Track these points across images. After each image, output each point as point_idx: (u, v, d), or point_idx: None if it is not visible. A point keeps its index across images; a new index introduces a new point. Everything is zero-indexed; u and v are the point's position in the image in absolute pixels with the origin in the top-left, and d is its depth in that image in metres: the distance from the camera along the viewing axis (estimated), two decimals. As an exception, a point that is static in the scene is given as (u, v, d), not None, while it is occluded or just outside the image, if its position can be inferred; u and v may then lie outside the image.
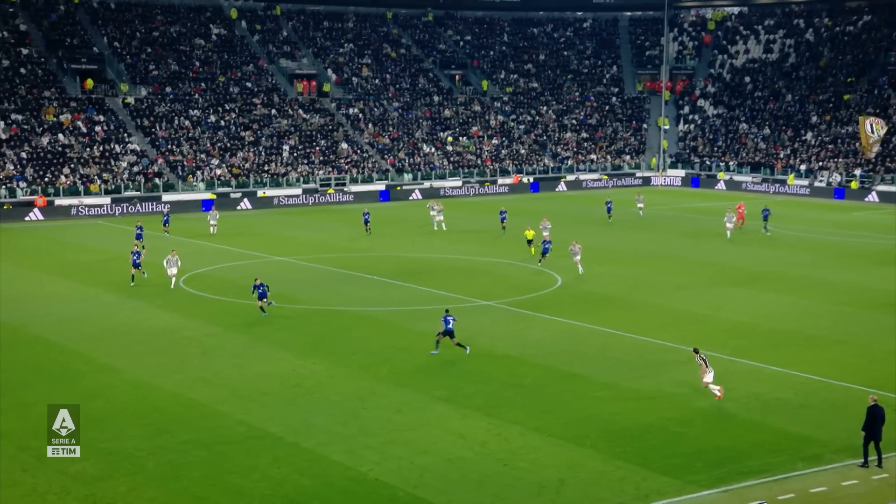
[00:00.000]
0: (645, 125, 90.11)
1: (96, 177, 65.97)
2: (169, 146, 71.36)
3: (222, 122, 75.11)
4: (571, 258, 40.89)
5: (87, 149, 68.29)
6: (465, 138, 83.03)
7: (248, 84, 79.73)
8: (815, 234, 53.82)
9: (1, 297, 36.90)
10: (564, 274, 40.75)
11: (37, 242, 52.02)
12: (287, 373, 27.04)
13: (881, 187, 71.41)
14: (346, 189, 72.43)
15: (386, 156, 78.25)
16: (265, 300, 33.15)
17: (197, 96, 76.51)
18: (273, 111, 78.08)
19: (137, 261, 38.47)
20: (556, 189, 78.82)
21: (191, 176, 69.05)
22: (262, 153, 73.58)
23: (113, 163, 67.85)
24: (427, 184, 75.58)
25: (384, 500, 18.97)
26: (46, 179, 64.48)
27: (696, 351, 25.20)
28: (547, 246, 43.05)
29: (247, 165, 71.78)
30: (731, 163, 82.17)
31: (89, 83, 72.83)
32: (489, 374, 27.04)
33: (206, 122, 74.52)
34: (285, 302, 35.88)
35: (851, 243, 50.76)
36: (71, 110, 70.54)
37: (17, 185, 63.19)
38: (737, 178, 79.62)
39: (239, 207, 66.91)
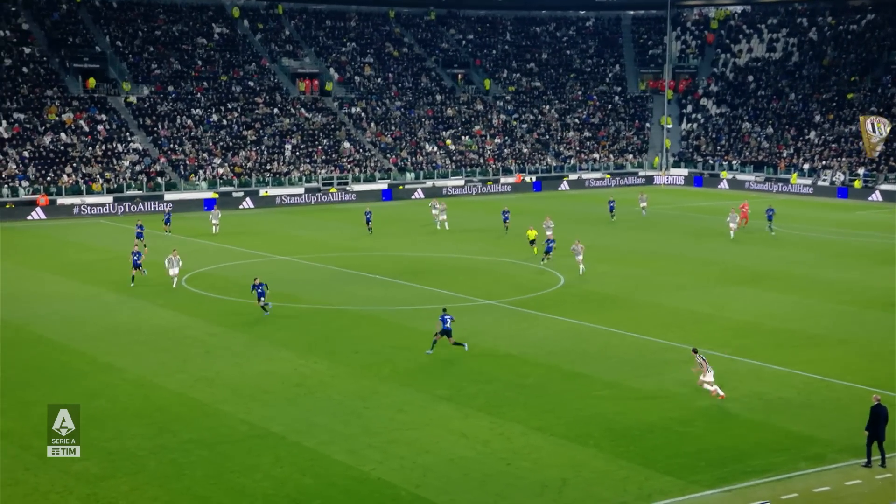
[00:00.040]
0: (648, 124, 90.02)
1: (98, 176, 66.00)
2: (171, 145, 71.37)
3: (224, 122, 75.11)
4: (573, 257, 40.82)
5: (90, 148, 68.30)
6: (467, 137, 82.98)
7: (251, 83, 79.73)
8: (819, 234, 53.74)
9: (3, 296, 36.91)
10: (567, 273, 40.70)
11: (39, 241, 52.04)
12: (289, 372, 27.02)
13: (885, 186, 71.27)
14: (348, 188, 72.40)
15: (388, 155, 78.23)
16: (263, 300, 33.06)
17: (199, 95, 76.51)
18: (275, 110, 78.08)
19: (138, 261, 38.44)
20: (559, 188, 78.76)
21: (193, 175, 69.06)
22: (265, 152, 73.58)
23: (115, 162, 67.86)
24: (429, 183, 75.54)
25: (386, 499, 18.94)
26: (49, 178, 64.51)
27: (695, 351, 25.16)
28: (550, 245, 43.02)
29: (249, 164, 71.78)
30: (734, 162, 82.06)
31: (91, 82, 72.85)
32: (491, 373, 27.01)
33: (209, 121, 74.53)
34: (287, 301, 35.86)
35: (855, 242, 50.67)
36: (73, 109, 70.57)
37: (20, 185, 63.22)
38: (740, 177, 79.50)
39: (241, 206, 66.92)
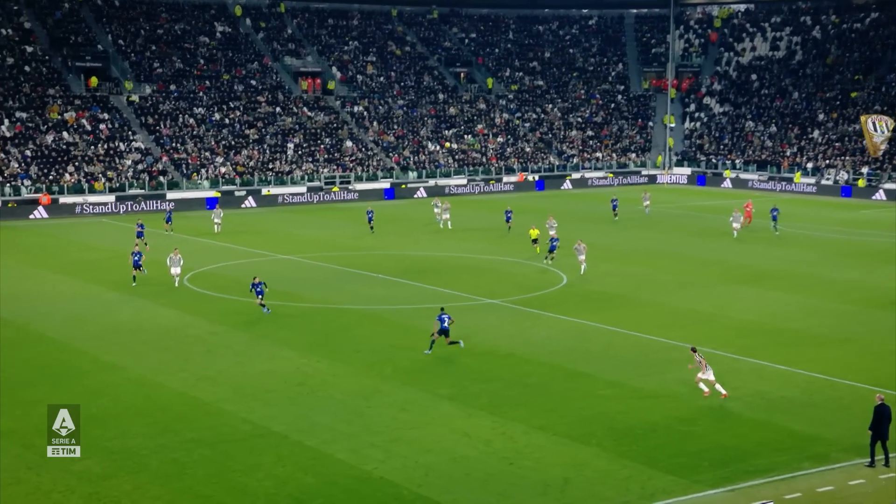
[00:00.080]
0: (651, 123, 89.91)
1: (101, 175, 66.02)
2: (173, 144, 71.36)
3: (227, 120, 75.11)
4: (576, 257, 40.73)
5: (92, 147, 68.33)
6: (470, 136, 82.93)
7: (253, 82, 79.72)
8: (822, 233, 53.64)
9: (5, 295, 36.93)
10: (569, 272, 40.65)
11: (41, 240, 52.06)
12: (291, 371, 27.00)
13: (889, 185, 71.11)
14: (350, 187, 72.38)
15: (391, 154, 78.19)
16: (262, 299, 32.96)
17: (201, 94, 76.51)
18: (277, 109, 78.06)
19: (139, 261, 38.38)
20: (562, 187, 78.67)
21: (195, 174, 69.06)
22: (267, 151, 73.57)
23: (117, 161, 67.89)
24: (432, 182, 75.48)
25: (389, 498, 18.92)
26: (51, 177, 64.53)
27: (693, 350, 25.11)
28: (554, 243, 42.96)
29: (251, 163, 71.78)
30: (737, 161, 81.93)
31: (94, 81, 72.88)
32: (494, 372, 26.98)
33: (211, 120, 74.52)
34: (289, 300, 35.85)
35: (858, 242, 50.58)
36: (75, 108, 70.60)
37: (22, 183, 63.25)
38: (743, 176, 79.38)
39: (243, 205, 66.91)
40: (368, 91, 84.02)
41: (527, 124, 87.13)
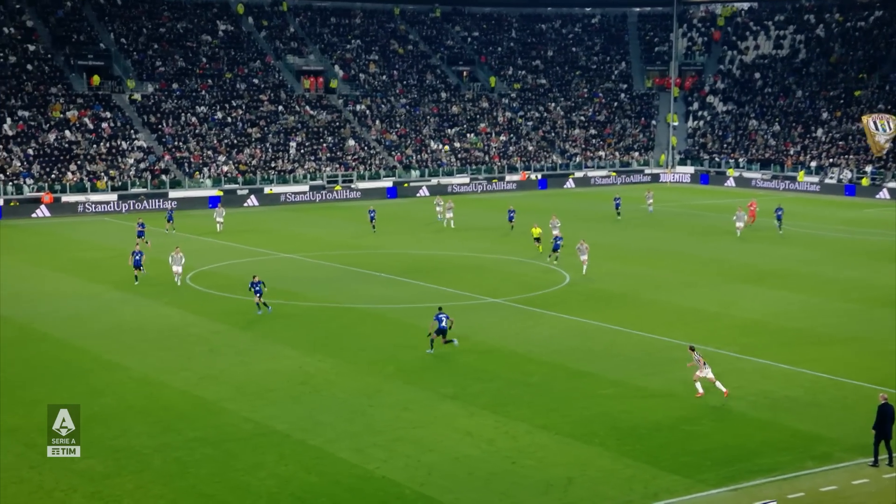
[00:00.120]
0: (654, 121, 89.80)
1: (103, 174, 66.03)
2: (176, 143, 71.35)
3: (229, 119, 75.10)
4: (578, 256, 40.60)
5: (94, 145, 68.35)
6: (472, 135, 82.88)
7: (255, 80, 79.70)
8: (826, 232, 53.54)
9: (7, 294, 36.93)
10: (572, 271, 40.59)
11: (43, 239, 52.07)
12: (293, 370, 26.97)
13: (892, 184, 70.97)
14: (353, 186, 72.34)
15: (393, 152, 78.14)
16: (261, 298, 32.87)
17: (204, 93, 76.50)
18: (280, 108, 78.03)
19: (139, 261, 38.33)
20: (565, 186, 78.59)
21: (197, 173, 69.05)
22: (269, 150, 73.54)
23: (120, 159, 67.88)
24: (434, 180, 75.43)
25: (391, 497, 18.88)
26: (53, 176, 64.54)
27: (692, 348, 25.05)
28: (558, 242, 42.86)
29: (254, 162, 71.75)
30: (740, 159, 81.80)
31: (96, 80, 72.89)
32: (496, 371, 26.93)
33: (213, 119, 74.51)
34: (292, 299, 35.83)
35: (862, 240, 50.47)
36: (77, 107, 70.60)
37: (24, 182, 63.27)
38: (746, 174, 79.25)
39: (246, 204, 66.89)
40: (371, 90, 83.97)
41: (529, 123, 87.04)
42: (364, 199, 68.92)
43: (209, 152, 71.43)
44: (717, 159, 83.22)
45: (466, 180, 76.52)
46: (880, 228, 54.47)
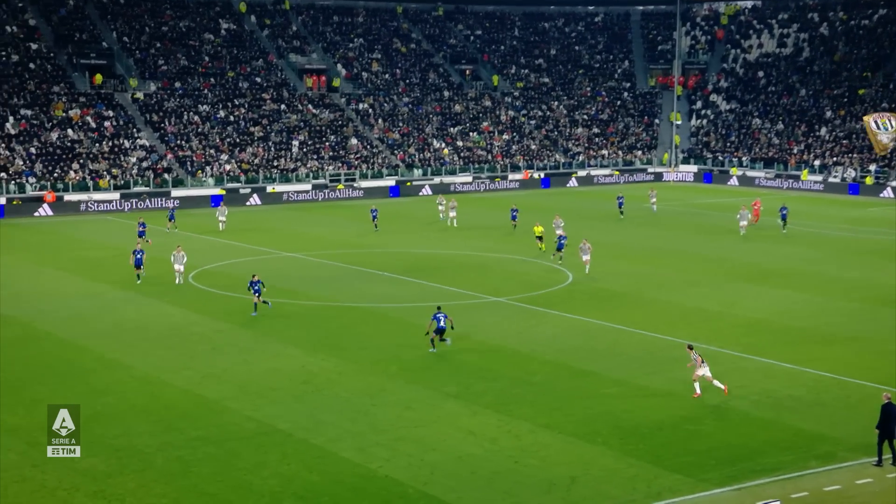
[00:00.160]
0: (657, 120, 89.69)
1: (105, 172, 66.06)
2: (178, 141, 71.37)
3: (231, 118, 75.10)
4: (580, 256, 40.51)
5: (97, 144, 68.37)
6: (475, 134, 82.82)
7: (258, 79, 79.69)
8: (829, 231, 53.44)
9: (9, 293, 36.93)
10: (575, 270, 40.54)
11: (46, 238, 52.10)
12: (296, 369, 26.94)
13: None
14: (355, 185, 72.31)
15: (396, 151, 78.11)
16: (259, 297, 32.77)
17: (206, 91, 76.50)
18: (282, 106, 78.02)
19: (140, 260, 38.29)
20: (567, 185, 78.52)
21: (200, 171, 69.06)
22: (272, 148, 73.53)
23: (122, 158, 67.92)
24: (437, 179, 75.39)
25: (394, 497, 18.85)
26: (56, 175, 64.58)
27: (690, 347, 25.00)
28: (562, 242, 42.76)
29: (256, 161, 71.75)
30: (743, 158, 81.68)
31: (98, 78, 72.91)
32: (499, 370, 26.89)
33: (216, 118, 74.51)
34: (294, 298, 35.81)
35: (866, 239, 50.38)
36: (80, 105, 70.63)
37: (27, 181, 63.30)
38: (750, 173, 79.14)
39: (248, 203, 66.88)
40: (374, 88, 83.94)
41: (532, 121, 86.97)
42: (366, 197, 68.88)
43: (212, 151, 71.43)
44: (720, 158, 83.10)
45: (469, 179, 76.47)
46: (884, 227, 54.35)
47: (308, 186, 70.64)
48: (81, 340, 30.12)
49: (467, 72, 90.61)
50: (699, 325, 31.66)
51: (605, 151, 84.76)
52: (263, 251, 46.75)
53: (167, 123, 72.43)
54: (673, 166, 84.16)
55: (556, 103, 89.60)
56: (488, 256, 45.22)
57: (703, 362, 24.32)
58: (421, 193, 72.37)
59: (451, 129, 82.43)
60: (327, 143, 75.92)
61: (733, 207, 56.14)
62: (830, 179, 74.51)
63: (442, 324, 27.99)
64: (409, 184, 73.85)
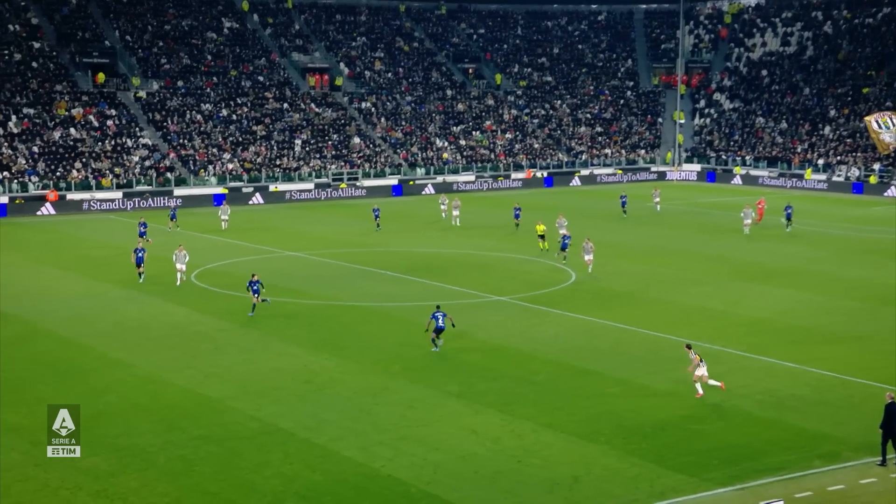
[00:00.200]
0: (660, 119, 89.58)
1: (108, 171, 66.08)
2: (181, 140, 71.38)
3: (234, 117, 75.10)
4: (582, 256, 40.44)
5: (99, 143, 68.40)
6: (478, 132, 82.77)
7: (260, 78, 79.69)
8: (833, 230, 53.34)
9: (12, 291, 36.95)
10: (578, 270, 40.48)
11: (48, 237, 52.12)
12: (299, 368, 26.92)
13: (899, 182, 70.73)
14: (358, 184, 72.29)
15: (398, 150, 78.08)
16: (258, 297, 32.66)
17: (209, 90, 76.51)
18: (285, 105, 78.02)
19: (142, 258, 38.25)
20: (570, 184, 78.43)
21: (202, 170, 69.07)
22: (274, 147, 73.52)
23: (125, 157, 67.94)
24: (440, 178, 75.34)
25: (397, 496, 18.82)
26: (58, 174, 64.62)
27: (688, 346, 24.95)
28: (566, 241, 42.67)
29: (259, 160, 71.75)
30: (747, 157, 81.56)
31: (101, 77, 72.94)
32: (502, 370, 26.86)
33: (218, 117, 74.52)
34: (297, 297, 35.79)
35: (870, 238, 50.27)
36: (83, 104, 70.66)
37: (29, 180, 63.34)
38: (753, 172, 79.01)
39: (251, 202, 66.86)
40: (376, 87, 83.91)
41: (535, 120, 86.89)
42: (369, 196, 68.83)
43: (214, 150, 71.44)
44: (723, 157, 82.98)
45: (472, 178, 76.41)
46: (888, 226, 54.20)
47: (311, 185, 70.62)
48: (84, 339, 30.12)
49: (470, 70, 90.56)
50: (702, 325, 31.61)
51: (608, 150, 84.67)
52: (266, 250, 46.74)
53: (170, 122, 72.45)
54: (676, 165, 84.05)
55: (559, 102, 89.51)
56: (491, 255, 45.17)
57: (701, 361, 24.28)
58: (423, 192, 72.32)
59: (454, 128, 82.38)
60: (330, 142, 75.90)
61: (736, 206, 56.06)
62: (834, 178, 74.36)
63: (440, 323, 27.93)
64: (411, 183, 73.80)
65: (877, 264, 42.51)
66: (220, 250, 46.49)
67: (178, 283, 37.54)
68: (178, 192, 65.99)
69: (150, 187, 66.00)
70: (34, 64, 72.32)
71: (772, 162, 79.66)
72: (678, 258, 44.24)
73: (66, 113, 69.36)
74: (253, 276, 33.31)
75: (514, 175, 78.15)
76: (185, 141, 71.51)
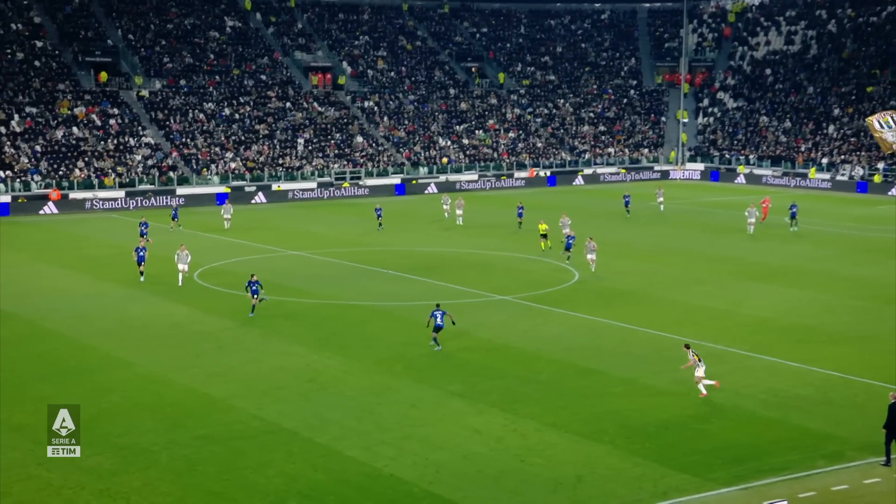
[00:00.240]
0: (663, 118, 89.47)
1: (110, 170, 66.09)
2: (183, 139, 71.39)
3: (237, 116, 75.09)
4: (585, 255, 40.37)
5: (102, 142, 68.42)
6: (481, 131, 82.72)
7: (263, 77, 79.67)
8: (837, 229, 53.24)
9: (15, 291, 36.96)
10: (582, 269, 40.43)
11: (51, 236, 52.13)
12: (301, 368, 26.89)
13: (903, 180, 70.60)
14: (361, 183, 72.26)
15: (401, 149, 78.03)
16: (257, 297, 32.57)
17: (211, 89, 76.50)
18: (288, 104, 78.00)
19: (143, 257, 38.21)
20: (574, 183, 78.37)
21: (205, 169, 69.06)
22: (277, 146, 73.51)
23: (127, 156, 67.95)
24: (443, 177, 75.29)
25: (399, 495, 18.78)
26: (61, 173, 64.63)
27: (687, 346, 24.88)
28: (570, 241, 42.60)
29: (261, 159, 71.74)
30: (751, 156, 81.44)
31: (103, 76, 72.95)
32: (505, 369, 26.81)
33: (221, 116, 74.51)
34: (299, 296, 35.77)
35: (874, 238, 50.16)
36: (85, 103, 70.68)
37: (32, 179, 63.36)
38: (757, 171, 78.91)
39: (253, 201, 66.86)
40: (379, 86, 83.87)
41: (538, 119, 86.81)
42: (372, 195, 68.79)
43: (217, 149, 71.43)
44: (727, 156, 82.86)
45: (475, 177, 76.35)
46: (892, 225, 54.08)
47: (313, 184, 70.60)
48: (86, 339, 30.11)
49: (473, 69, 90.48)
50: (706, 324, 31.54)
51: (611, 149, 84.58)
52: (268, 249, 46.72)
53: (172, 121, 72.45)
54: (680, 164, 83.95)
55: (562, 101, 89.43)
56: (493, 255, 45.12)
57: (699, 361, 24.21)
58: (426, 192, 72.27)
59: (457, 126, 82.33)
60: (332, 141, 75.87)
61: (740, 205, 55.95)
62: (838, 177, 74.24)
63: (439, 321, 27.89)
64: (414, 182, 73.76)
65: (881, 263, 42.41)
66: (223, 249, 46.47)
67: (180, 283, 37.48)
68: (180, 191, 66.01)
69: (152, 186, 66.01)
70: (37, 63, 72.34)
71: (775, 161, 79.53)
72: (682, 257, 44.17)
73: (69, 112, 69.39)
74: (252, 276, 33.21)
75: (516, 174, 78.09)
76: (188, 140, 71.51)
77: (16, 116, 67.37)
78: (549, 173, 78.96)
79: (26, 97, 69.16)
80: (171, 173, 67.59)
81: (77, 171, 65.08)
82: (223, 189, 66.96)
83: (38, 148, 66.00)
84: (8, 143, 65.45)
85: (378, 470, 19.88)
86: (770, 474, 19.63)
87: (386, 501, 18.62)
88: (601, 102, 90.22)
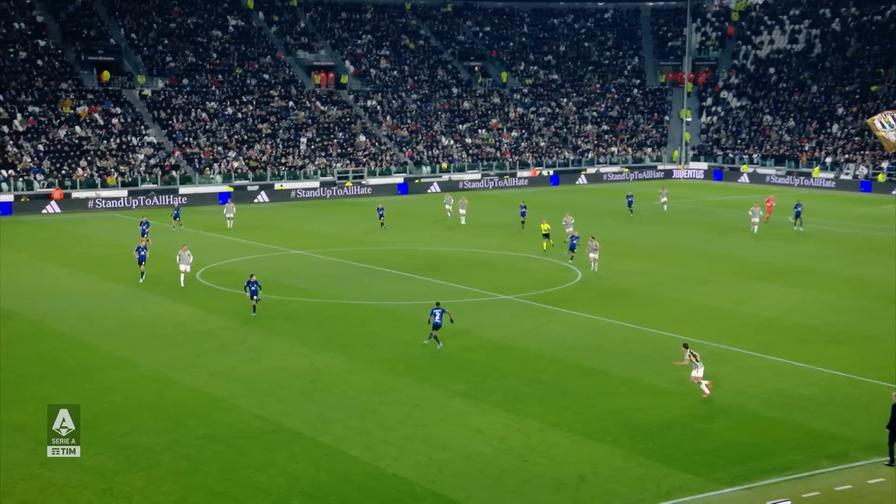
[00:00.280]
0: (667, 117, 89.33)
1: (113, 169, 66.11)
2: (186, 139, 71.40)
3: (239, 115, 75.09)
4: (588, 254, 40.30)
5: (104, 141, 68.44)
6: (484, 131, 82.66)
7: (266, 76, 79.66)
8: (841, 228, 53.13)
9: (17, 290, 36.97)
10: (584, 269, 40.38)
11: (53, 235, 52.15)
12: (304, 367, 26.87)
13: (906, 180, 70.44)
14: (363, 182, 72.24)
15: (404, 148, 78.00)
16: (256, 298, 32.48)
17: (214, 88, 76.50)
18: (290, 103, 77.98)
19: (144, 256, 38.18)
20: (577, 182, 78.28)
21: (208, 169, 69.07)
22: (280, 146, 73.50)
23: (130, 155, 67.97)
24: (445, 177, 75.24)
25: (402, 495, 18.76)
26: (63, 172, 64.65)
27: (685, 346, 24.82)
28: (574, 241, 42.52)
29: (264, 158, 71.73)
30: (754, 155, 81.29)
31: (106, 75, 72.97)
32: (508, 369, 26.78)
33: (223, 115, 74.51)
34: (302, 296, 35.74)
35: (878, 237, 50.05)
36: (88, 102, 70.69)
37: (35, 178, 63.40)
38: (761, 170, 78.77)
39: (256, 200, 66.84)
40: (382, 85, 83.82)
41: (541, 118, 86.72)
42: (375, 195, 68.77)
43: (219, 148, 71.44)
44: (730, 155, 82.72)
45: (478, 176, 76.29)
46: None
47: (316, 184, 70.58)
48: (89, 338, 30.10)
49: (476, 68, 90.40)
50: (709, 324, 31.47)
51: (614, 148, 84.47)
52: (271, 248, 46.70)
53: (175, 120, 72.46)
54: (683, 164, 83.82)
55: (565, 100, 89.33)
56: (496, 254, 45.07)
57: (698, 361, 24.15)
58: (429, 191, 72.22)
59: (460, 126, 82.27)
60: (335, 141, 75.85)
61: (744, 205, 55.85)
62: (842, 177, 74.08)
63: (438, 319, 27.86)
64: (417, 181, 73.72)
65: (885, 263, 42.30)
66: (226, 249, 46.47)
67: (182, 283, 37.44)
68: (183, 190, 66.01)
69: (155, 185, 66.02)
70: (39, 62, 72.38)
71: (779, 160, 79.39)
72: (685, 257, 44.09)
73: (72, 111, 69.43)
74: (251, 276, 33.15)
75: (519, 173, 78.01)
76: (191, 139, 71.52)
77: (18, 115, 67.40)
78: (552, 172, 78.86)
79: (29, 96, 69.20)
80: (173, 172, 67.60)
81: (80, 170, 65.11)
82: (226, 188, 66.97)
83: (40, 147, 66.04)
84: (11, 142, 65.48)
85: (381, 470, 19.85)
86: (773, 474, 19.58)
87: (388, 501, 18.59)
88: (604, 101, 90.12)
